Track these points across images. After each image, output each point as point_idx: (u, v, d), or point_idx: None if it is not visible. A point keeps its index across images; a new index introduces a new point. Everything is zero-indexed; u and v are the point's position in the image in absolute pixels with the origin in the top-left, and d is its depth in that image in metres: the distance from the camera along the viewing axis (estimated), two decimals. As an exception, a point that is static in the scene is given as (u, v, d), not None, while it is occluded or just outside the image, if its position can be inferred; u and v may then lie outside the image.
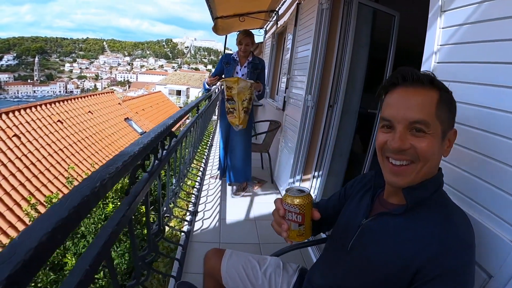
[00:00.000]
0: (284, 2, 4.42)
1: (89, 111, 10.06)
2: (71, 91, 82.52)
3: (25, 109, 7.62)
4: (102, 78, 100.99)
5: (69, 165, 6.87)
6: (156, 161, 1.01)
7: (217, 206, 2.67)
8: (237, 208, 2.69)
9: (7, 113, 7.01)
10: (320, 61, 2.42)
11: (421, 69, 1.08)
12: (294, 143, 2.69)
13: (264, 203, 2.84)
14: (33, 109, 7.88)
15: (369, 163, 2.50)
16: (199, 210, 2.54)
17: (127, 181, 0.89)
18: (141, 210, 3.72)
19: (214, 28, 4.86)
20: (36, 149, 6.89)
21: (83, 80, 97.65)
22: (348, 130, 2.63)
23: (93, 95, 11.60)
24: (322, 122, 2.52)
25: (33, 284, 3.04)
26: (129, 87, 73.34)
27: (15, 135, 6.71)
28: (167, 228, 2.33)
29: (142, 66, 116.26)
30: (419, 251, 0.61)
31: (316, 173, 2.58)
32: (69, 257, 2.95)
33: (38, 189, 6.02)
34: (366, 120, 3.05)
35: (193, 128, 2.25)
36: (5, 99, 67.14)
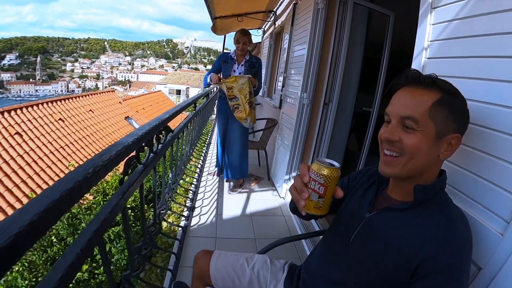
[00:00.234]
0: (282, 2, 4.43)
1: (90, 110, 10.04)
2: (72, 90, 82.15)
3: (27, 107, 7.62)
4: (103, 78, 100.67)
5: (70, 162, 6.87)
6: (152, 154, 1.02)
7: (214, 202, 2.67)
8: (234, 204, 2.70)
9: (9, 111, 7.00)
10: (316, 60, 2.43)
11: (412, 65, 1.09)
12: (290, 140, 2.70)
13: (261, 200, 2.85)
14: (35, 107, 7.87)
15: (364, 161, 2.51)
16: (196, 205, 2.54)
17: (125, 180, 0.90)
18: (140, 207, 3.74)
19: (213, 28, 4.86)
20: (38, 146, 6.88)
21: (84, 79, 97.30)
22: (343, 127, 2.64)
23: (94, 94, 11.57)
24: (317, 119, 2.53)
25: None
26: (129, 86, 73.25)
27: (17, 133, 6.71)
28: (165, 224, 2.34)
29: (142, 66, 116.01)
30: (421, 247, 0.63)
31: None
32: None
33: (39, 186, 6.02)
34: (361, 118, 3.06)
35: (190, 125, 2.26)
36: (7, 98, 66.94)
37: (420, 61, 1.05)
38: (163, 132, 1.16)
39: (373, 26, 2.59)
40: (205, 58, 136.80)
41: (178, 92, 34.17)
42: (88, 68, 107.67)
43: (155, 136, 1.05)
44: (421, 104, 0.65)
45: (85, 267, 2.91)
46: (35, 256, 3.26)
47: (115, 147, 0.65)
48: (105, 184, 4.49)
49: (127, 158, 0.72)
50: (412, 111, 0.65)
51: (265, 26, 6.38)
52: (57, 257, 3.35)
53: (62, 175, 6.63)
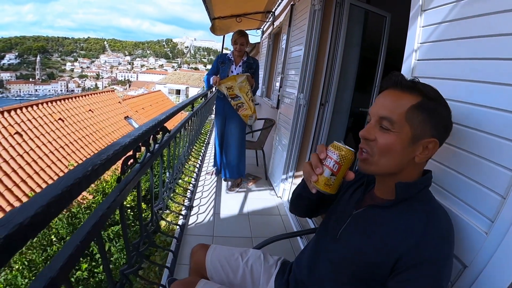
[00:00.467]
0: (280, 3, 4.45)
1: (90, 110, 10.06)
2: (72, 90, 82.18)
3: (26, 107, 7.64)
4: (103, 77, 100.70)
5: (69, 162, 6.90)
6: (148, 153, 1.05)
7: (212, 201, 2.70)
8: (231, 203, 2.73)
9: (9, 111, 7.02)
10: (312, 61, 2.45)
11: (402, 67, 1.12)
12: (287, 140, 2.73)
13: (258, 199, 2.88)
14: (35, 107, 7.89)
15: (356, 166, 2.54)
16: (194, 204, 2.57)
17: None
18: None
19: (211, 29, 4.88)
20: (38, 146, 6.91)
21: (84, 79, 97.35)
22: (339, 128, 2.67)
23: (94, 93, 11.59)
24: (314, 120, 2.56)
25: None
26: (129, 86, 73.26)
27: (17, 132, 6.73)
28: (164, 223, 2.37)
29: (142, 66, 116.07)
30: (401, 241, 0.65)
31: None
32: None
33: (39, 186, 6.04)
34: (358, 119, 3.09)
35: (188, 125, 2.28)
36: (7, 98, 66.94)
37: (410, 63, 1.07)
38: (160, 132, 1.19)
39: (369, 27, 2.62)
40: (205, 58, 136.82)
41: (178, 92, 34.20)
42: (87, 67, 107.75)
43: (152, 136, 1.08)
44: (399, 106, 0.67)
45: (84, 266, 2.94)
46: (35, 255, 3.29)
47: (113, 147, 0.68)
48: (104, 184, 4.52)
49: (124, 157, 0.75)
50: (389, 113, 0.68)
51: (263, 27, 6.40)
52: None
53: (61, 174, 6.65)
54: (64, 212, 3.79)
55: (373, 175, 0.81)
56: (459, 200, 0.82)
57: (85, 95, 10.86)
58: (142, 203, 3.78)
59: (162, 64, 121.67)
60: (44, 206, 0.42)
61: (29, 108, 7.68)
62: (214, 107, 3.81)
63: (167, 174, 1.83)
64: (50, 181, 6.33)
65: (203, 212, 2.46)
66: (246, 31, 2.83)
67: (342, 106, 2.58)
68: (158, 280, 1.86)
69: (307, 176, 0.74)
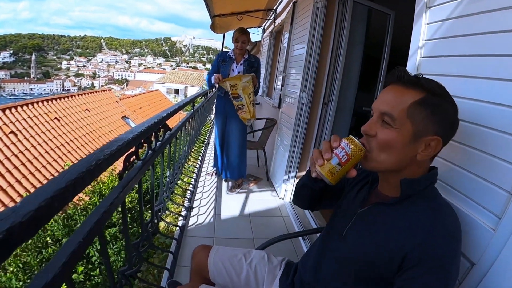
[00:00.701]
0: (282, 1, 4.47)
1: (86, 109, 10.08)
2: (68, 89, 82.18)
3: (22, 106, 7.64)
4: (99, 76, 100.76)
5: (65, 162, 6.90)
6: (150, 151, 1.06)
7: (212, 202, 2.71)
8: (232, 204, 2.73)
9: (3, 110, 7.02)
10: (315, 59, 2.46)
11: (407, 64, 1.13)
12: (289, 140, 2.74)
13: (259, 200, 2.88)
14: (30, 106, 7.90)
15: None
16: (194, 205, 2.58)
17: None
18: (138, 208, 3.78)
19: (212, 27, 4.91)
20: (33, 146, 6.91)
21: (80, 78, 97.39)
22: (343, 127, 2.68)
23: (90, 93, 11.62)
24: (316, 119, 2.57)
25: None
26: (126, 85, 73.32)
27: (12, 132, 6.73)
28: (163, 224, 2.38)
29: (140, 65, 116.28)
30: (407, 239, 0.65)
31: (310, 170, 2.62)
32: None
33: (34, 186, 6.04)
34: (361, 118, 3.11)
35: (189, 124, 2.29)
36: (1, 97, 66.92)
37: (415, 60, 1.09)
38: (161, 130, 1.20)
39: (373, 24, 2.63)
40: (204, 57, 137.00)
41: (176, 91, 34.28)
42: (84, 66, 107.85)
43: (153, 133, 1.09)
44: (401, 102, 0.67)
45: (80, 268, 2.94)
46: (29, 257, 3.30)
47: (116, 142, 0.69)
48: (101, 185, 4.53)
49: (126, 153, 0.76)
50: (390, 108, 0.68)
51: (265, 25, 6.42)
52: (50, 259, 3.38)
53: (57, 175, 6.66)
54: (59, 214, 3.79)
55: (374, 171, 0.81)
56: (465, 197, 0.83)
57: (81, 94, 10.87)
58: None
59: (160, 63, 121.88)
60: (48, 199, 0.43)
61: (24, 107, 7.68)
62: (213, 106, 3.83)
63: (168, 173, 1.84)
64: (45, 182, 6.32)
65: (203, 213, 2.47)
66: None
67: (345, 105, 2.59)
68: (157, 282, 1.87)
69: (313, 160, 0.75)
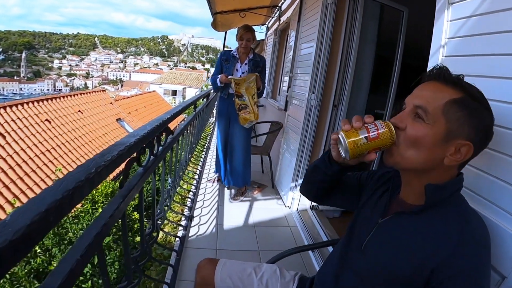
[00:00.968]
0: (287, -3, 4.48)
1: (79, 111, 10.11)
2: (60, 89, 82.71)
3: (10, 106, 7.66)
4: (93, 76, 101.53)
5: (56, 166, 6.89)
6: (152, 156, 1.04)
7: (214, 211, 2.68)
8: (236, 213, 2.71)
9: (-8, 111, 7.05)
10: (325, 59, 2.45)
11: (428, 64, 1.12)
12: (296, 145, 2.71)
13: (264, 209, 2.85)
14: (19, 107, 7.93)
15: (376, 166, 2.53)
16: (195, 215, 2.55)
17: (117, 185, 0.91)
18: (133, 217, 3.75)
19: (213, 24, 4.92)
20: (22, 149, 6.92)
21: (72, 78, 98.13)
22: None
23: (83, 93, 11.67)
24: (326, 122, 2.55)
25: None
26: (121, 86, 73.71)
27: (0, 134, 6.74)
28: (161, 234, 2.35)
29: (135, 64, 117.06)
30: (434, 251, 0.64)
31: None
32: (55, 265, 2.95)
33: (23, 192, 6.03)
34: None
35: (190, 127, 2.27)
36: (-11, 97, 67.41)
37: (437, 59, 1.07)
38: (163, 134, 1.18)
39: (385, 22, 2.62)
40: (203, 56, 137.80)
41: (174, 92, 34.38)
42: (77, 65, 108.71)
43: (155, 137, 1.07)
44: (438, 98, 0.66)
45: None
46: (17, 267, 3.26)
47: (117, 147, 0.67)
48: (94, 191, 4.51)
49: (128, 159, 0.74)
50: (425, 102, 0.67)
51: (269, 22, 6.44)
52: (41, 269, 3.35)
53: (48, 180, 6.66)
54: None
55: (396, 169, 0.79)
56: (493, 205, 0.82)
57: (74, 95, 10.94)
58: (136, 213, 3.75)
59: (157, 63, 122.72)
60: (42, 213, 0.39)
61: (14, 108, 7.70)
62: (215, 109, 3.82)
63: (169, 180, 1.82)
64: (35, 187, 6.32)
65: (205, 223, 2.44)
66: (251, 27, 2.83)
67: (356, 107, 2.57)
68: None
69: (341, 126, 0.74)
